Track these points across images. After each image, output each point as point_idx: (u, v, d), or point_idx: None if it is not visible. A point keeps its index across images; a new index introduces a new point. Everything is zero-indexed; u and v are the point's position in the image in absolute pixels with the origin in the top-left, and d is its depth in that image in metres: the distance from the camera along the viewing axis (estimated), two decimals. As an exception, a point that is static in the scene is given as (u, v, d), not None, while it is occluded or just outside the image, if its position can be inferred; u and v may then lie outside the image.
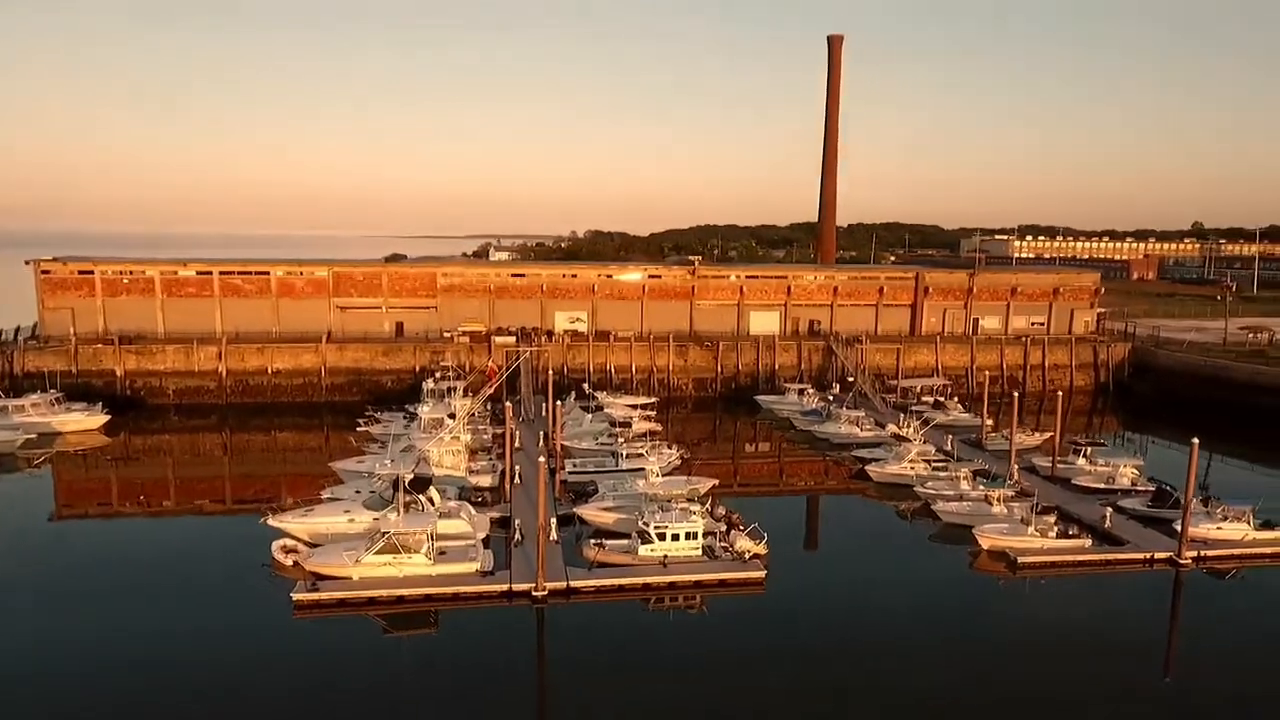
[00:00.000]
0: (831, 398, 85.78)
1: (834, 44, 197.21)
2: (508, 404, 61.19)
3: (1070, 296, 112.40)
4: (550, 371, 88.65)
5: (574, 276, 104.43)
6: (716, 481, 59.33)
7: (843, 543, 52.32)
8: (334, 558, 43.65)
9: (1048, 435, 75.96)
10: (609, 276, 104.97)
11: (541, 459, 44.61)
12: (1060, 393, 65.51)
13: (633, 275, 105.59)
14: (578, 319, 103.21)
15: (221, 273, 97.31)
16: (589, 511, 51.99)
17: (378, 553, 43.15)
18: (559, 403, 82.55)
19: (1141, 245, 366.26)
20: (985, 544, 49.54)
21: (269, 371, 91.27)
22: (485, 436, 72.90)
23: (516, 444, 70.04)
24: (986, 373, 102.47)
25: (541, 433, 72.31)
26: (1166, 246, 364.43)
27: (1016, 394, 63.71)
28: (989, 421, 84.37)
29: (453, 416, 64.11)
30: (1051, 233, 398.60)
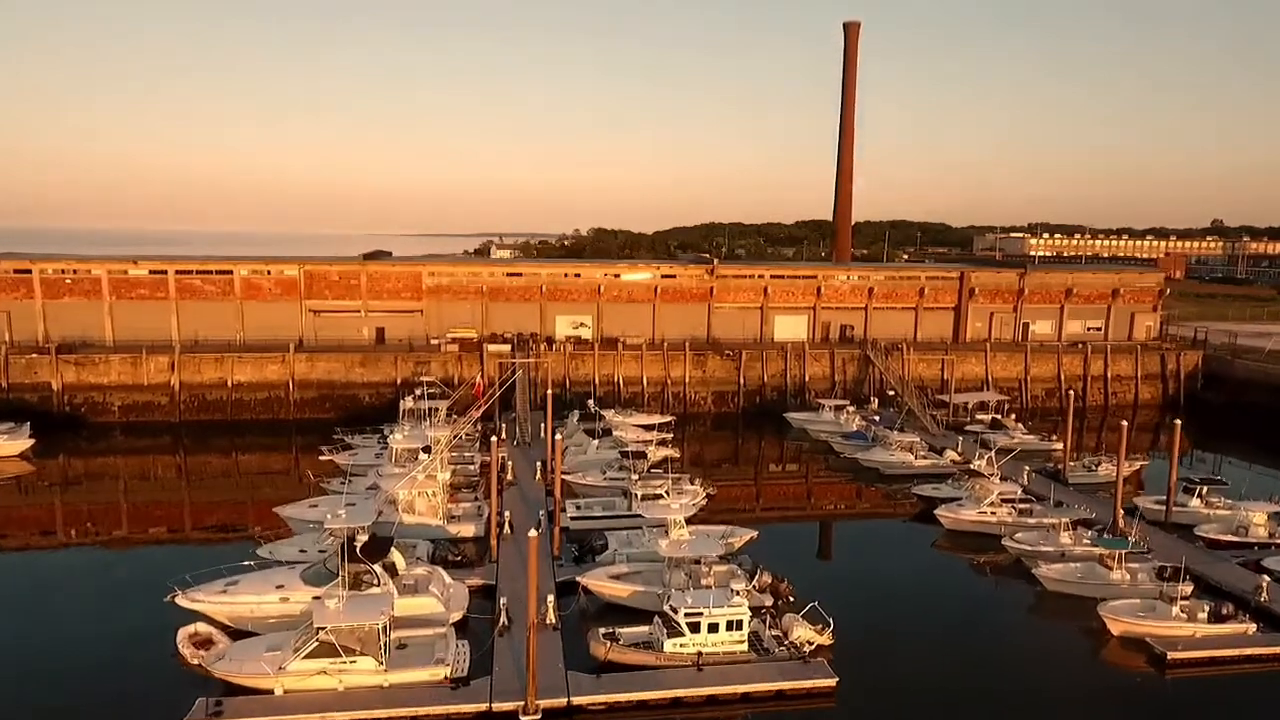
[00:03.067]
0: (877, 418, 74.09)
1: (850, 31, 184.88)
2: (494, 440, 48.75)
3: (1131, 299, 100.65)
4: (550, 385, 77.25)
5: (577, 276, 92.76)
6: (755, 535, 47.72)
7: (925, 622, 40.40)
8: (249, 662, 32.05)
9: (1139, 465, 64.53)
10: (616, 276, 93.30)
11: (533, 532, 32.86)
12: (1178, 421, 53.23)
13: (642, 275, 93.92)
14: (581, 324, 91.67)
15: (178, 272, 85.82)
16: (596, 581, 40.35)
17: (309, 656, 31.62)
18: (559, 425, 71.33)
19: (1162, 243, 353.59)
20: (1115, 629, 37.90)
21: (229, 385, 79.76)
22: (472, 466, 61.47)
23: (510, 476, 58.80)
24: (1042, 385, 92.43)
25: (539, 463, 60.88)
26: (1188, 244, 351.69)
27: (1125, 422, 51.30)
28: (1057, 443, 72.94)
29: (428, 449, 52.52)
30: (1066, 230, 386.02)
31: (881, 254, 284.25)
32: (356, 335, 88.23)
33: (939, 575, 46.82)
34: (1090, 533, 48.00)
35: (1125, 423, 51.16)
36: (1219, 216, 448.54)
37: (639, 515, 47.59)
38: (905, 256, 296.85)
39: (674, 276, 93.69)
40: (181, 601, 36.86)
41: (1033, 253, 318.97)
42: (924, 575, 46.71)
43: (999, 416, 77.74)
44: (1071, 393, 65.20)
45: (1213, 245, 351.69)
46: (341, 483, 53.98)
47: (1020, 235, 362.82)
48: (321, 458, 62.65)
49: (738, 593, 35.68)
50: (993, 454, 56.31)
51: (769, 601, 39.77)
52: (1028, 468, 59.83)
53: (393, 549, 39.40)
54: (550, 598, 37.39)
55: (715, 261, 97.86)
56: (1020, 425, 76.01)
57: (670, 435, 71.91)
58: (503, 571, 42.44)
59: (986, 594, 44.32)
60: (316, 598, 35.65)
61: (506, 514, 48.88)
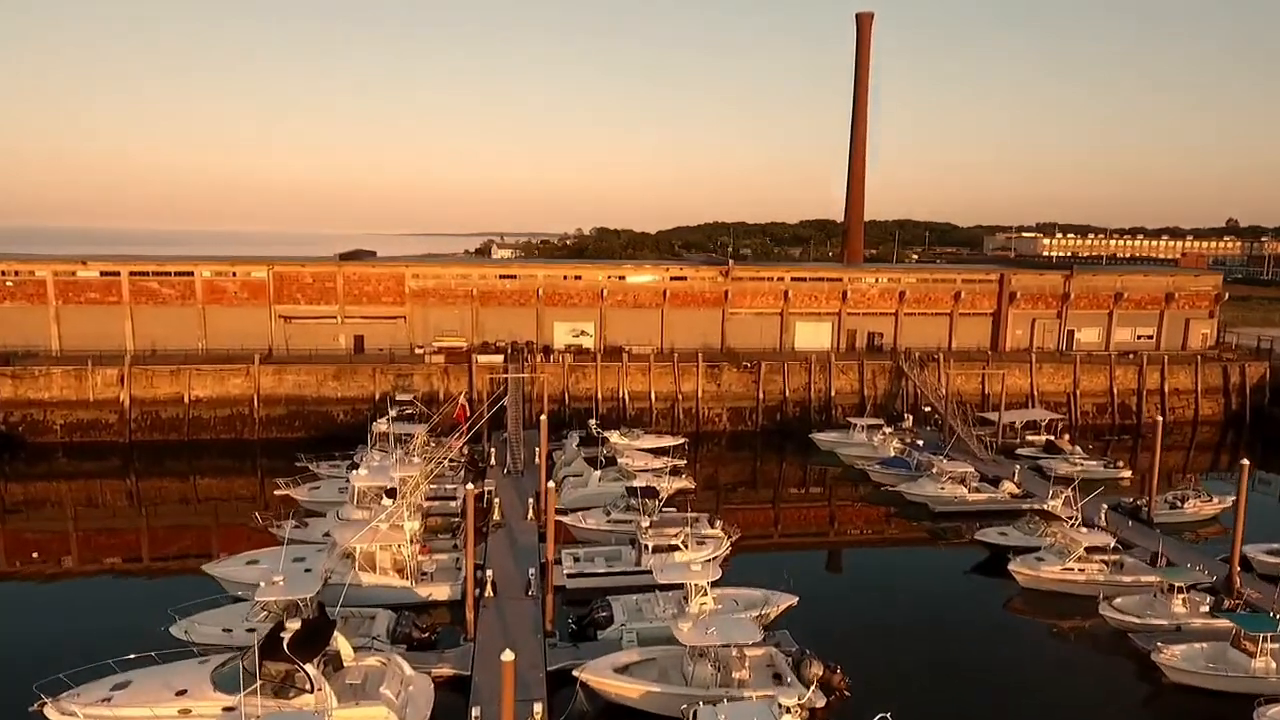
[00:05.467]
0: (920, 442, 65.02)
1: (863, 22, 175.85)
2: (469, 487, 39.20)
3: (1185, 304, 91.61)
4: (547, 400, 68.47)
5: (577, 278, 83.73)
6: (795, 601, 38.77)
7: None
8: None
9: (1228, 500, 55.44)
10: (621, 278, 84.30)
11: (508, 654, 23.88)
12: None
13: (649, 277, 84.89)
14: (582, 332, 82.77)
15: (132, 273, 76.98)
16: (599, 677, 31.33)
17: (199, 816, 22.79)
18: (556, 448, 62.58)
19: (1178, 243, 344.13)
20: (1280, 749, 29.00)
21: (186, 401, 70.99)
22: (454, 502, 52.43)
23: (497, 516, 49.91)
24: (1092, 400, 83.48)
25: (532, 499, 52.05)
26: (1204, 244, 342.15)
27: (1246, 461, 42.08)
28: (1124, 469, 64.22)
29: (392, 493, 43.58)
30: (1077, 230, 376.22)
31: (891, 254, 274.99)
32: (332, 344, 79.42)
33: (1024, 655, 37.63)
34: (1203, 596, 39.10)
35: (1247, 461, 41.87)
36: (1233, 216, 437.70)
37: (651, 571, 38.80)
38: (914, 257, 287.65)
39: (684, 279, 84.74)
40: (51, 714, 27.99)
41: (1046, 253, 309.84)
42: (1007, 655, 37.53)
43: (1053, 438, 68.94)
44: (1160, 419, 55.89)
45: (1230, 245, 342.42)
46: (295, 527, 45.13)
47: (1032, 235, 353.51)
48: (278, 491, 53.82)
49: (788, 709, 26.62)
50: (1073, 492, 47.30)
51: (820, 702, 30.92)
52: (1105, 506, 50.77)
53: (336, 634, 30.55)
54: (538, 707, 28.47)
55: (730, 262, 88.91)
56: (1078, 448, 67.21)
57: (683, 460, 63.13)
58: (480, 656, 33.46)
59: (1090, 683, 35.27)
60: (228, 708, 26.90)
61: (489, 573, 40.01)
